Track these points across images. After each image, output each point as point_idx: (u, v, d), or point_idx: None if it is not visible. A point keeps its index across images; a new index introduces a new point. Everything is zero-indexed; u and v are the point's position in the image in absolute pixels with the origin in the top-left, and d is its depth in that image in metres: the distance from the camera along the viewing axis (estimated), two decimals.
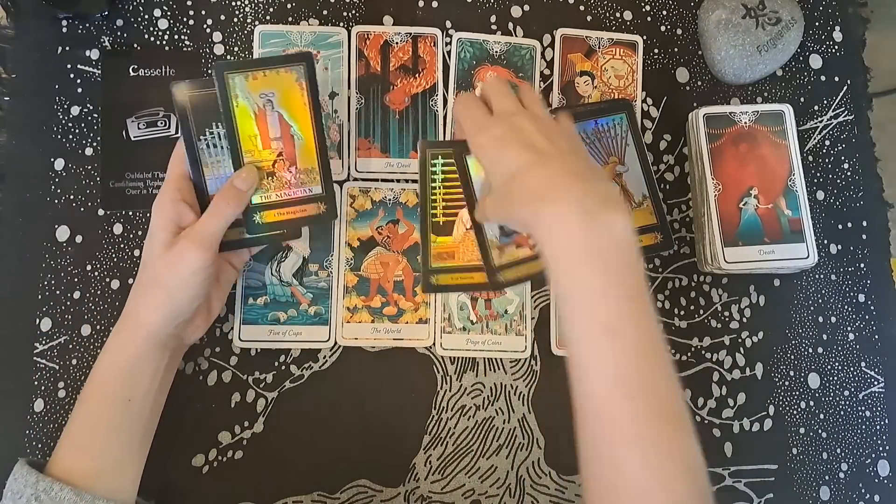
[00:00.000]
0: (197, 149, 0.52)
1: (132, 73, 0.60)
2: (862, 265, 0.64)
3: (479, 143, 0.48)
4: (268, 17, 0.62)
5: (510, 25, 0.65)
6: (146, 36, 0.61)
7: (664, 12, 0.67)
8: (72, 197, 0.58)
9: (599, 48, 0.65)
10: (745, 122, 0.61)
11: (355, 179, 0.60)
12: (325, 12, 0.63)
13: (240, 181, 0.51)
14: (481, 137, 0.48)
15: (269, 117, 0.53)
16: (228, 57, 0.61)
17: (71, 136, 0.59)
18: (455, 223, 0.57)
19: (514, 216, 0.47)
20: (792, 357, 0.63)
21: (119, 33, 0.61)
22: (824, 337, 0.63)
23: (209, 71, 0.60)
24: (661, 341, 0.41)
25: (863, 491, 0.61)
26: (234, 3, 0.62)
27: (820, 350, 0.63)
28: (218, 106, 0.52)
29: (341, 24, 0.63)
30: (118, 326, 0.49)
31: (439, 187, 0.56)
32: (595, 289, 0.41)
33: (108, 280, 0.58)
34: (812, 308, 0.63)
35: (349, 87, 0.61)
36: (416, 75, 0.62)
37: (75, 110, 0.59)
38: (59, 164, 0.58)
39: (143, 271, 0.50)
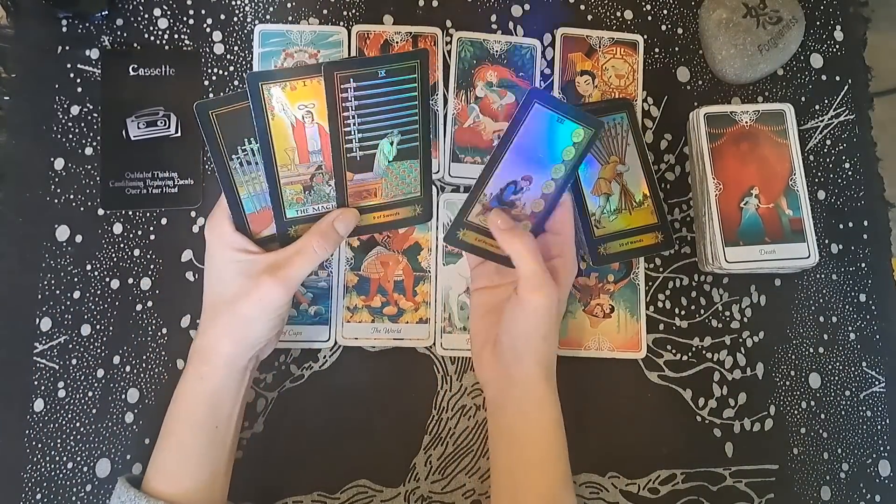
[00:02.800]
0: (230, 169, 0.49)
1: (132, 73, 0.60)
2: (863, 265, 0.64)
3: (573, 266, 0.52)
4: (268, 17, 0.62)
5: (510, 25, 0.65)
6: (146, 35, 0.61)
7: (665, 11, 0.67)
8: (72, 197, 0.58)
9: (600, 47, 0.65)
10: (746, 122, 0.61)
11: None
12: (325, 11, 0.63)
13: (341, 225, 0.49)
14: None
15: (307, 129, 0.49)
16: (229, 56, 0.61)
17: (71, 136, 0.59)
18: (375, 156, 0.50)
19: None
20: (793, 357, 0.63)
21: (119, 33, 0.61)
22: (825, 337, 0.63)
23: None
24: None
25: (864, 491, 0.61)
26: (233, 3, 0.62)
27: (821, 350, 0.63)
28: (250, 120, 0.48)
29: (341, 23, 0.63)
30: (197, 356, 0.48)
31: (353, 116, 0.48)
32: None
33: (107, 280, 0.58)
34: (813, 308, 0.63)
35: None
36: None
37: (75, 110, 0.59)
38: (59, 163, 0.58)
39: (219, 300, 0.48)
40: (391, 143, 0.49)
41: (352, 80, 0.47)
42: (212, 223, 0.50)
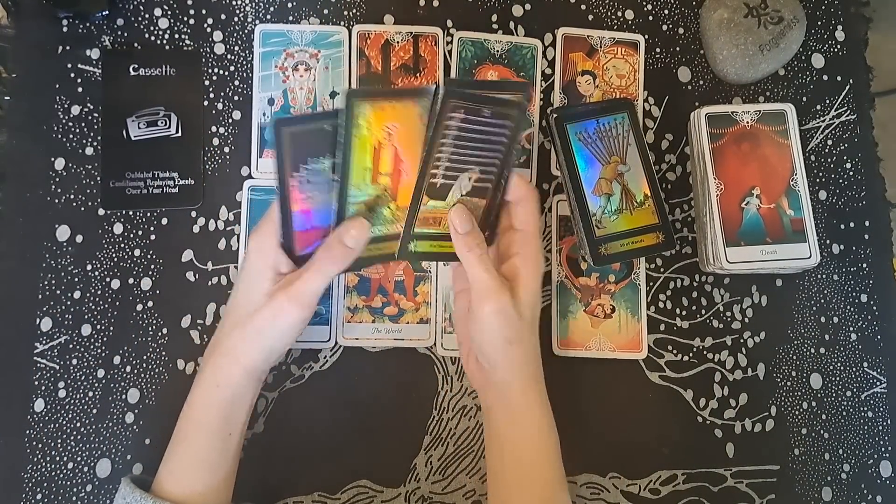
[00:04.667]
0: (288, 186, 0.49)
1: (132, 73, 0.60)
2: (864, 265, 0.64)
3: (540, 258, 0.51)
4: (268, 17, 0.62)
5: (511, 24, 0.64)
6: (146, 35, 0.61)
7: (666, 11, 0.66)
8: (72, 196, 0.58)
9: (601, 47, 0.64)
10: (747, 122, 0.61)
11: None
12: (325, 11, 0.63)
13: (349, 239, 0.48)
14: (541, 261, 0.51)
15: (384, 151, 0.48)
16: (229, 56, 0.61)
17: (71, 136, 0.59)
18: (452, 187, 0.50)
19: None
20: (794, 357, 0.62)
21: (119, 33, 0.61)
22: (826, 337, 0.63)
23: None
24: None
25: (865, 492, 0.61)
26: (234, 3, 0.62)
27: (822, 350, 0.63)
28: (319, 141, 0.48)
29: (342, 23, 0.63)
30: (214, 363, 0.49)
31: (450, 144, 0.47)
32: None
33: (108, 280, 0.58)
34: (814, 308, 0.63)
35: (349, 87, 0.61)
36: (417, 75, 0.62)
37: (75, 110, 0.59)
38: (60, 163, 0.58)
39: (242, 310, 0.49)
40: (469, 179, 0.49)
41: (462, 111, 0.46)
42: (258, 233, 0.50)
